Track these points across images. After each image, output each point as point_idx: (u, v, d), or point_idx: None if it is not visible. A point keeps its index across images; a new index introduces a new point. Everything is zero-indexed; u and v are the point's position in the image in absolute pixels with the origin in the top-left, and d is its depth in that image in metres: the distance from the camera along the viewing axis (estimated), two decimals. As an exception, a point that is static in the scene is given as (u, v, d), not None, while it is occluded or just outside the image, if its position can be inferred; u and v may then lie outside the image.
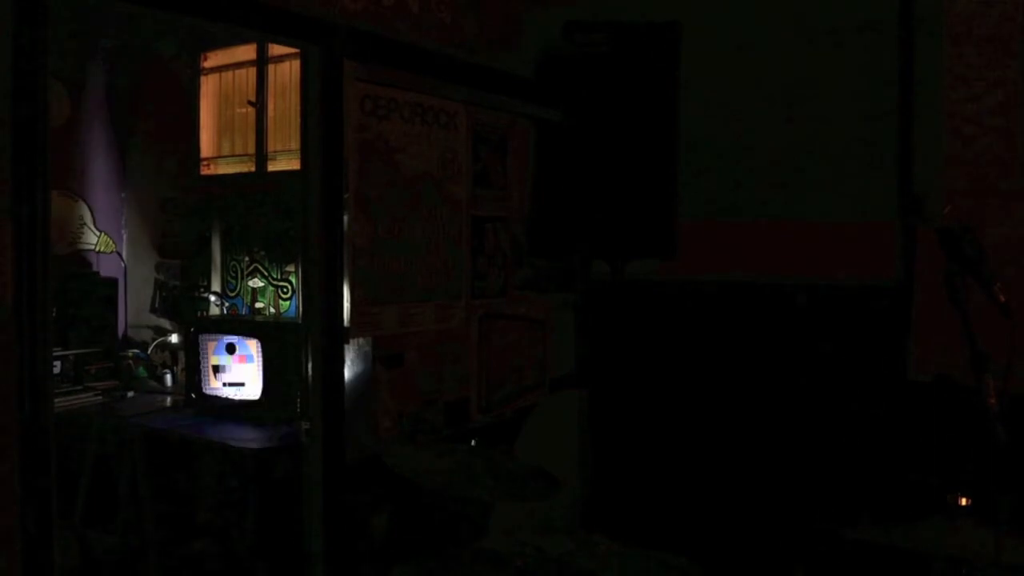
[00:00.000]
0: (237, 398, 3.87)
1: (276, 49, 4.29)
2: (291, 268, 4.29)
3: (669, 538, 3.11)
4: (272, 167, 4.44)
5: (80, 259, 4.79)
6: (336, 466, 2.79)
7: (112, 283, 4.76)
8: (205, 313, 4.53)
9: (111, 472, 3.95)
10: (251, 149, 4.51)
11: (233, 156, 4.62)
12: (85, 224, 4.81)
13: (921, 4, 3.49)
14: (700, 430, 3.93)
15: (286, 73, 4.35)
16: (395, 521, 3.02)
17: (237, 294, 4.51)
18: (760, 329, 3.81)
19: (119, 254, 4.97)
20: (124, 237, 5.01)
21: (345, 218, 2.81)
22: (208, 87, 4.70)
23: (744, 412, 3.83)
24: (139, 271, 4.94)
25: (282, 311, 4.33)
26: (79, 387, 4.25)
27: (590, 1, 3.82)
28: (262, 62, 4.43)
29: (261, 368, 3.79)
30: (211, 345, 3.97)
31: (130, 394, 4.32)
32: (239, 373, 3.88)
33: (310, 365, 2.80)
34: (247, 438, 3.55)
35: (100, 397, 4.20)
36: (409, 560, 2.66)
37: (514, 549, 2.71)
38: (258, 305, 4.40)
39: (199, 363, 3.99)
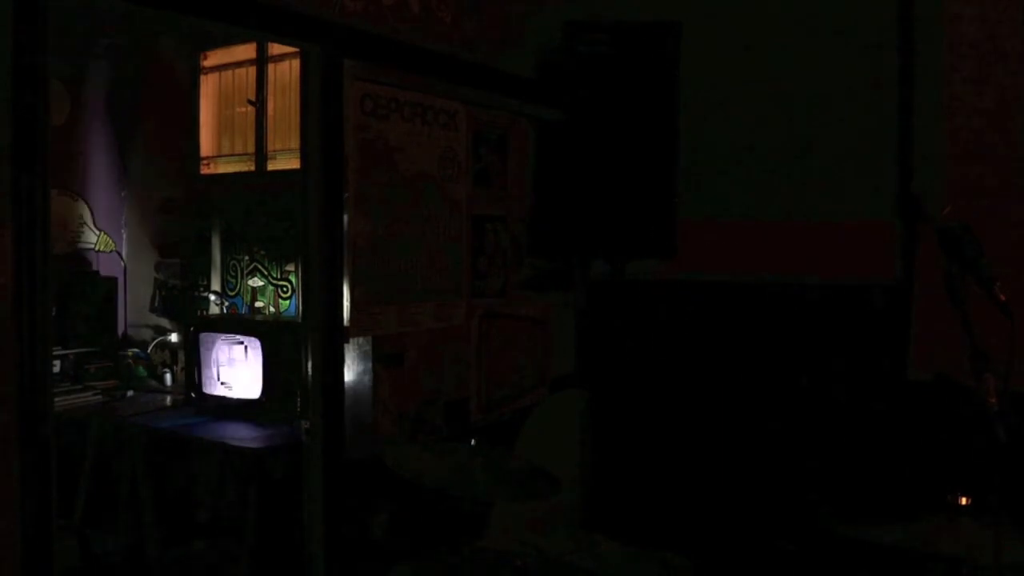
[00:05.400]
0: (237, 397, 3.86)
1: (276, 48, 4.29)
2: (291, 267, 4.29)
3: (669, 538, 3.11)
4: (272, 166, 4.44)
5: (80, 258, 4.78)
6: (336, 466, 2.79)
7: (112, 282, 4.76)
8: (205, 312, 4.53)
9: (111, 472, 3.95)
10: (251, 148, 4.51)
11: (233, 155, 4.62)
12: (85, 223, 4.81)
13: (921, 4, 3.49)
14: (700, 430, 3.93)
15: (286, 72, 4.35)
16: (395, 521, 3.02)
17: (237, 293, 4.51)
18: (760, 329, 3.81)
19: (119, 253, 4.97)
20: (124, 236, 5.00)
21: (345, 218, 2.81)
22: (208, 86, 4.69)
23: (744, 412, 3.83)
24: (139, 270, 4.94)
25: (282, 310, 4.33)
26: (79, 386, 4.25)
27: (590, 1, 3.82)
28: (262, 61, 4.42)
29: (261, 368, 3.79)
30: (211, 344, 3.97)
31: (130, 393, 4.32)
32: (239, 372, 3.87)
33: (310, 364, 2.80)
34: (247, 438, 3.55)
35: (100, 396, 4.20)
36: (409, 560, 2.66)
37: (514, 549, 2.71)
38: (258, 304, 4.40)
39: (199, 362, 3.99)
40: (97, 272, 4.80)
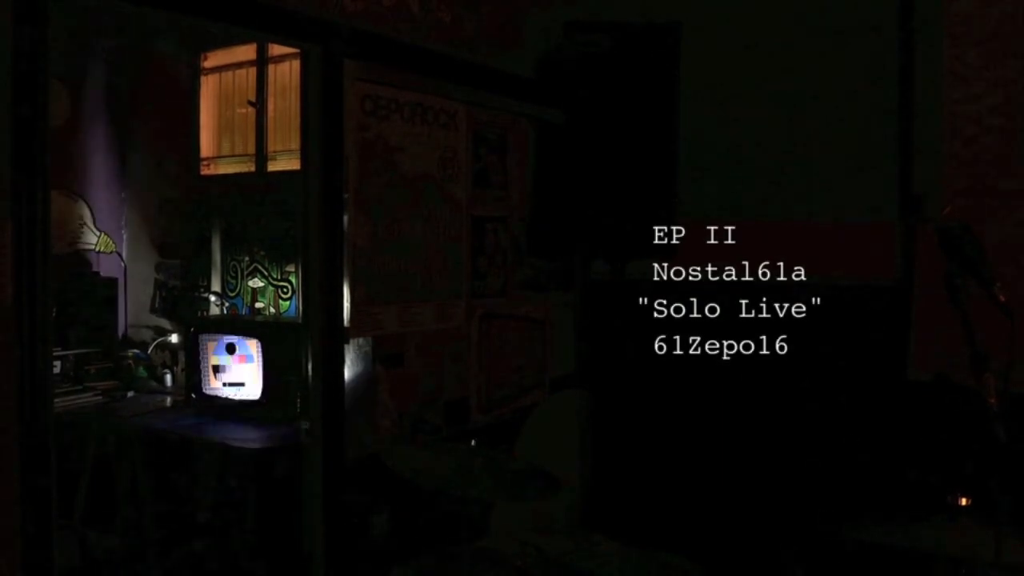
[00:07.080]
0: (237, 398, 3.87)
1: (276, 49, 4.29)
2: (291, 268, 4.29)
3: (669, 538, 3.11)
4: (272, 167, 4.44)
5: (80, 259, 4.78)
6: (336, 466, 2.79)
7: (112, 283, 4.76)
8: (205, 313, 4.53)
9: (111, 472, 3.95)
10: (251, 149, 4.51)
11: (233, 156, 4.62)
12: (85, 224, 4.81)
13: (921, 4, 3.49)
14: (700, 430, 3.93)
15: (286, 73, 4.35)
16: (395, 521, 3.02)
17: (237, 294, 4.51)
18: (760, 329, 3.81)
19: (119, 254, 4.97)
20: (124, 237, 5.00)
21: (345, 218, 2.81)
22: (208, 87, 4.69)
23: (744, 412, 3.83)
24: (139, 271, 4.94)
25: (282, 311, 4.33)
26: (79, 387, 4.25)
27: (590, 1, 3.82)
28: (262, 62, 4.43)
29: (261, 368, 3.79)
30: (211, 345, 3.97)
31: (130, 394, 4.32)
32: (239, 373, 3.88)
33: (310, 365, 2.80)
34: (247, 438, 3.55)
35: (100, 397, 4.20)
36: (409, 560, 2.66)
37: (514, 549, 2.71)
38: (258, 305, 4.40)
39: (199, 363, 4.00)
40: (97, 273, 4.80)
